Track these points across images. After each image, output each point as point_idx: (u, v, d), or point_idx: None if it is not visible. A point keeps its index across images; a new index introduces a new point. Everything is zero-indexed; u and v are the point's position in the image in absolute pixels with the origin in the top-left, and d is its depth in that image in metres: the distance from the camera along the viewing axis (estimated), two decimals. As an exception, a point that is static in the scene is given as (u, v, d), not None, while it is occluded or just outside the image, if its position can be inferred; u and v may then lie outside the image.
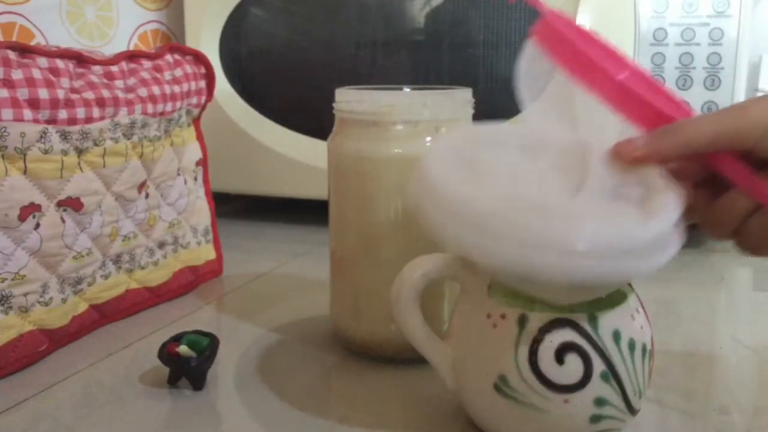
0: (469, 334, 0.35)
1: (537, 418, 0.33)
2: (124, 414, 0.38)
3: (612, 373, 0.32)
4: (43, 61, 0.45)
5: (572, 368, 0.32)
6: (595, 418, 0.33)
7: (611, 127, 0.35)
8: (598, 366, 0.32)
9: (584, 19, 0.67)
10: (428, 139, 0.42)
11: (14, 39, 0.70)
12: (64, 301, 0.46)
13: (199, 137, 0.61)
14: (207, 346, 0.42)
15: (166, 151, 0.55)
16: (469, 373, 0.35)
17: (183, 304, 0.56)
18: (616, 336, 0.33)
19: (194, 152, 0.60)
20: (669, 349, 0.48)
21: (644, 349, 0.34)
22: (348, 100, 0.44)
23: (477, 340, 0.35)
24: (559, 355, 0.32)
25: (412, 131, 0.42)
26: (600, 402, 0.32)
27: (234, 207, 0.91)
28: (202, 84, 0.59)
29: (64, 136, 0.45)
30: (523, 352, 0.32)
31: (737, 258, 0.70)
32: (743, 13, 0.65)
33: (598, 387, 0.32)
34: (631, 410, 0.34)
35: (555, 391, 0.32)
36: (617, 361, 0.32)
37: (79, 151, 0.46)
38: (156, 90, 0.53)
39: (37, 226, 0.43)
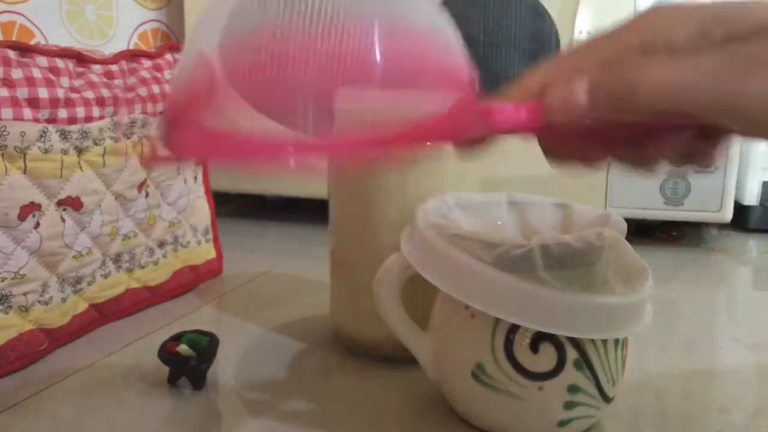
0: (449, 324, 0.36)
1: (513, 404, 0.34)
2: (124, 413, 0.38)
3: (585, 362, 0.33)
4: (42, 61, 0.45)
5: (546, 356, 0.33)
6: (569, 405, 0.34)
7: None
8: (572, 354, 0.33)
9: (584, 19, 0.67)
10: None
11: (14, 38, 0.70)
12: (63, 300, 0.46)
13: (199, 136, 0.61)
14: (207, 345, 0.42)
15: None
16: (449, 362, 0.36)
17: (183, 304, 0.56)
18: None
19: (194, 151, 0.60)
20: (669, 349, 0.48)
21: (617, 339, 0.35)
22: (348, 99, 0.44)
23: (456, 330, 0.36)
24: (534, 344, 0.33)
25: (413, 131, 0.42)
26: (573, 389, 0.33)
27: (234, 206, 0.91)
28: (202, 83, 0.59)
29: (64, 136, 0.45)
30: (500, 341, 0.34)
31: (737, 258, 0.70)
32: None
33: (571, 375, 0.33)
34: (605, 398, 0.35)
35: (530, 379, 0.33)
36: (590, 349, 0.33)
37: (79, 151, 0.46)
38: (156, 89, 0.53)
39: (37, 225, 0.43)
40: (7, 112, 0.41)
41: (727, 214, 0.69)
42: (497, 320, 0.34)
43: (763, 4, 0.25)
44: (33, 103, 0.43)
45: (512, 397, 0.34)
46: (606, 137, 0.29)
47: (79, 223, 0.47)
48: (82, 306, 0.49)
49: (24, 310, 0.43)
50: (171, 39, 0.92)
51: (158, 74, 0.54)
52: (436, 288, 0.35)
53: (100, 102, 0.47)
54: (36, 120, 0.43)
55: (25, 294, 0.43)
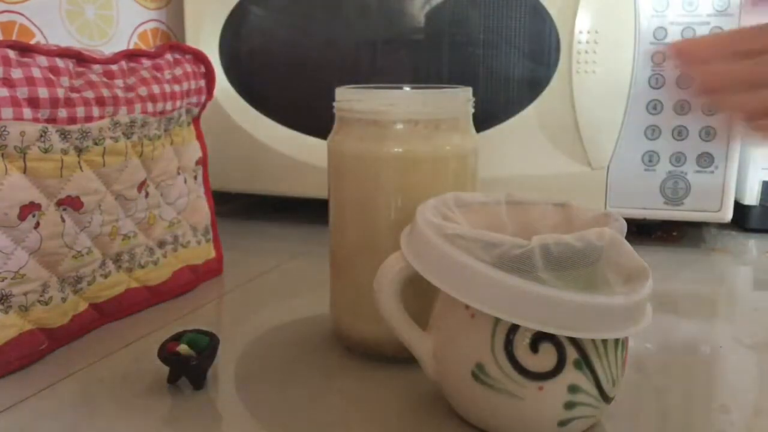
0: (449, 324, 0.36)
1: (513, 404, 0.34)
2: (124, 413, 0.38)
3: (585, 362, 0.33)
4: (42, 60, 0.45)
5: (546, 356, 0.33)
6: (570, 405, 0.34)
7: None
8: (572, 354, 0.33)
9: (584, 19, 0.67)
10: (428, 138, 0.42)
11: (14, 38, 0.70)
12: (63, 300, 0.46)
13: (199, 136, 0.61)
14: (207, 345, 0.42)
15: (166, 150, 0.55)
16: (449, 362, 0.36)
17: (183, 304, 0.56)
18: None
19: (194, 151, 0.60)
20: (669, 348, 0.48)
21: (617, 339, 0.34)
22: (348, 99, 0.44)
23: (456, 330, 0.36)
24: (534, 343, 0.33)
25: (412, 130, 0.42)
26: (573, 389, 0.33)
27: (234, 206, 0.91)
28: (202, 83, 0.59)
29: (64, 135, 0.45)
30: (500, 340, 0.34)
31: (737, 258, 0.70)
32: (743, 11, 0.65)
33: (571, 375, 0.33)
34: (605, 398, 0.35)
35: (530, 379, 0.33)
36: (590, 349, 0.33)
37: (79, 150, 0.46)
38: (156, 89, 0.53)
39: (37, 225, 0.43)
40: (7, 112, 0.41)
41: (727, 214, 0.69)
42: (497, 320, 0.34)
43: None
44: (33, 102, 0.43)
45: (512, 397, 0.34)
46: None
47: (79, 223, 0.47)
48: (82, 306, 0.49)
49: (24, 309, 0.43)
50: (171, 39, 0.92)
51: (158, 74, 0.54)
52: (436, 288, 0.35)
53: (100, 102, 0.47)
54: (36, 120, 0.43)
55: (25, 294, 0.43)
